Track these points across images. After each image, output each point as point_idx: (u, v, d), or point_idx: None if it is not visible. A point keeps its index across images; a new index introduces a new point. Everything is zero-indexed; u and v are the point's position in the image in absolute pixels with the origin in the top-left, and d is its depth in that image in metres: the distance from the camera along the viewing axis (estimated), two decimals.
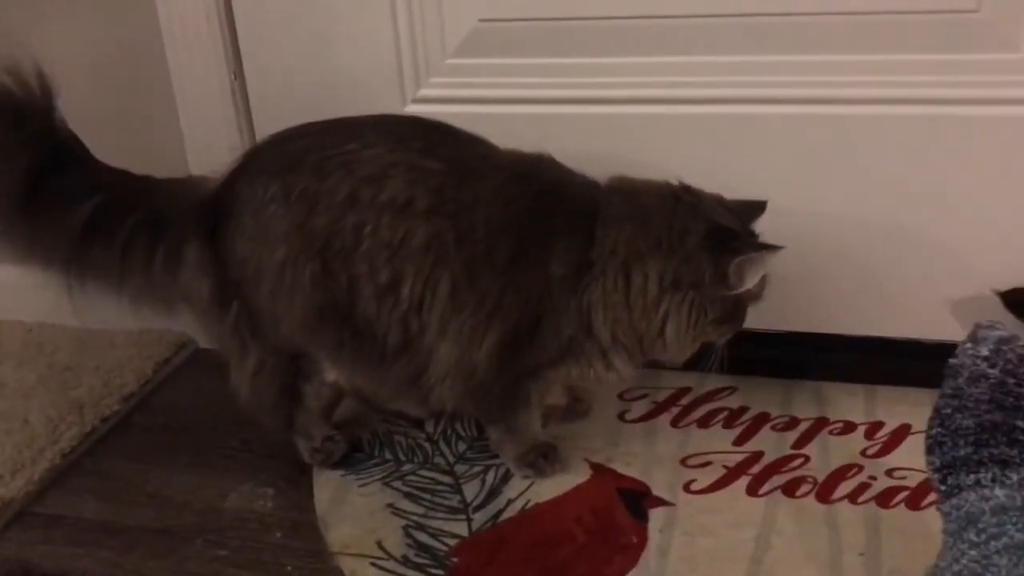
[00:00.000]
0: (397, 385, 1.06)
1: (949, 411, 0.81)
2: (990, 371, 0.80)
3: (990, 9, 1.03)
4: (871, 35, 1.07)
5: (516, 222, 0.99)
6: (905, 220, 1.13)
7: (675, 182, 1.02)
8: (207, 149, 1.28)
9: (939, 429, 0.82)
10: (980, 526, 0.76)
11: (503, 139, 1.05)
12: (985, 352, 0.81)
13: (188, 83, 1.27)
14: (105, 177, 1.06)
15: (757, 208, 1.03)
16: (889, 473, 1.06)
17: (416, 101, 1.22)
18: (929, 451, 0.82)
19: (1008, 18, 1.03)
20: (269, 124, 1.15)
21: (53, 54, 1.30)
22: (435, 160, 0.99)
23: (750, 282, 0.98)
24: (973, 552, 0.75)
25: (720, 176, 1.04)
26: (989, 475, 0.78)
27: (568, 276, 0.99)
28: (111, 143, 1.23)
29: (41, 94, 1.02)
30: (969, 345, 0.83)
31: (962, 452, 0.79)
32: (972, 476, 0.78)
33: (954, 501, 0.79)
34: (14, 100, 1.01)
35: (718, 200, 1.02)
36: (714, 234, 0.98)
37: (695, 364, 1.06)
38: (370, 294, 1.00)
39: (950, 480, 0.80)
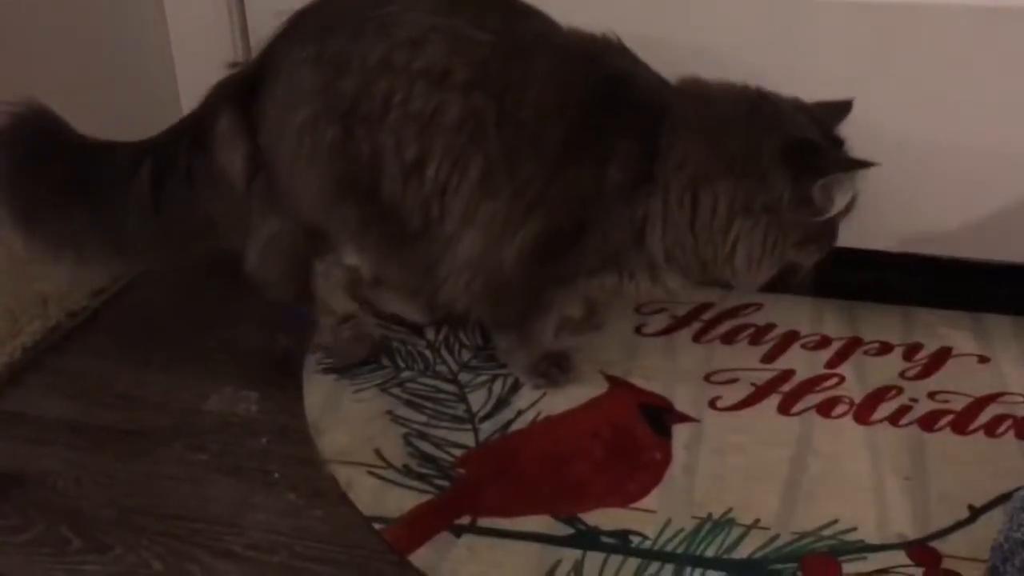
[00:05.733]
0: (414, 272, 0.97)
1: None
2: None
3: None
4: None
5: (573, 108, 0.89)
6: (949, 131, 1.03)
7: (751, 86, 0.91)
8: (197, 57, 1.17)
9: None
10: None
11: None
12: None
13: None
14: (140, 147, 0.99)
15: (841, 109, 0.91)
16: (931, 396, 0.98)
17: None
18: None
19: None
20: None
21: None
22: (483, 31, 0.89)
23: (840, 204, 0.87)
24: None
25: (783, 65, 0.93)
26: None
27: (626, 183, 0.88)
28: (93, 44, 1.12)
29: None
30: None
31: None
32: None
33: None
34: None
35: (796, 105, 0.90)
36: (793, 150, 0.86)
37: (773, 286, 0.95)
38: (395, 172, 0.91)
39: None
